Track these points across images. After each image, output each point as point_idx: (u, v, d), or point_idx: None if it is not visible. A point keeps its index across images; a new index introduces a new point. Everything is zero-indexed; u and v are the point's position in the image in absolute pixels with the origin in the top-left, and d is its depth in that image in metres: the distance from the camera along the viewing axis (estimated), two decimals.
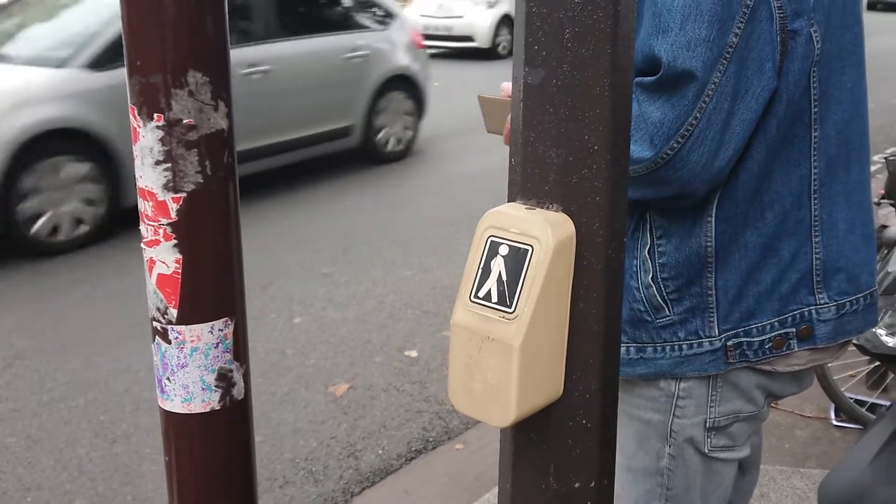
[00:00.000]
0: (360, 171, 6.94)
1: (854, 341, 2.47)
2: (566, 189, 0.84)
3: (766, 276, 1.23)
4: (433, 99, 7.76)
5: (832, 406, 3.16)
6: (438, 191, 6.34)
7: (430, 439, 3.16)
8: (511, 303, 0.82)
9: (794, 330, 1.25)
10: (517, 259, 0.82)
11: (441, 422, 3.27)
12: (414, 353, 3.81)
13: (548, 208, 0.85)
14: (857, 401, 3.12)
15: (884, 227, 3.12)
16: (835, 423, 3.15)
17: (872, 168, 6.12)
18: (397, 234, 5.37)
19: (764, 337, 1.25)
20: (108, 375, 3.60)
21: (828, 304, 1.26)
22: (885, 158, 3.41)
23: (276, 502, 2.81)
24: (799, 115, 1.18)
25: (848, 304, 1.28)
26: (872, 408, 3.12)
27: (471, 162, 7.07)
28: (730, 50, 1.07)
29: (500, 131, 1.34)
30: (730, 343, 1.25)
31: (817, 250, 1.24)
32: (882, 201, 3.36)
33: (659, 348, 1.28)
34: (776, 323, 1.25)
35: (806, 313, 1.26)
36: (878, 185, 3.87)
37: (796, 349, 1.26)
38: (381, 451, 3.09)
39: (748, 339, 1.25)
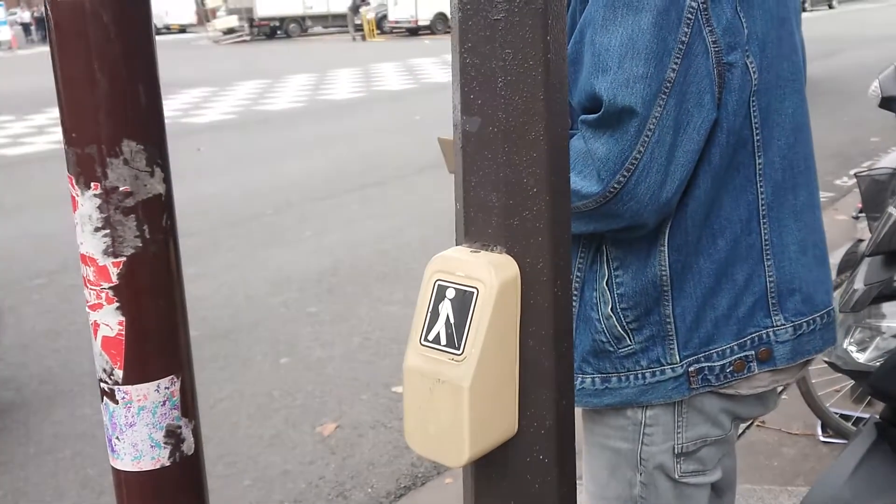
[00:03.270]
0: (343, 208, 6.97)
1: (825, 359, 2.49)
2: (509, 231, 0.86)
3: (721, 301, 1.26)
4: (414, 132, 7.80)
5: (819, 422, 3.17)
6: (421, 224, 6.37)
7: (419, 475, 3.16)
8: (459, 345, 0.84)
9: (753, 352, 1.28)
10: (463, 302, 0.84)
11: None
12: (401, 389, 3.81)
13: (492, 251, 0.87)
14: (842, 415, 3.13)
15: (860, 240, 3.16)
16: (822, 439, 3.16)
17: (850, 182, 6.19)
18: (381, 270, 5.39)
19: (724, 361, 1.27)
20: (94, 426, 3.59)
21: (784, 325, 1.28)
22: (856, 175, 3.46)
23: None
24: (742, 144, 1.22)
25: (805, 324, 1.30)
26: (858, 422, 3.13)
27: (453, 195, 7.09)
28: (668, 85, 1.11)
29: None
30: (691, 369, 1.27)
31: (770, 273, 1.27)
32: (860, 215, 3.39)
33: (623, 378, 1.30)
34: (735, 346, 1.27)
35: (764, 335, 1.28)
36: (855, 200, 3.91)
37: (757, 371, 1.29)
38: (370, 490, 3.08)
39: (709, 364, 1.27)
